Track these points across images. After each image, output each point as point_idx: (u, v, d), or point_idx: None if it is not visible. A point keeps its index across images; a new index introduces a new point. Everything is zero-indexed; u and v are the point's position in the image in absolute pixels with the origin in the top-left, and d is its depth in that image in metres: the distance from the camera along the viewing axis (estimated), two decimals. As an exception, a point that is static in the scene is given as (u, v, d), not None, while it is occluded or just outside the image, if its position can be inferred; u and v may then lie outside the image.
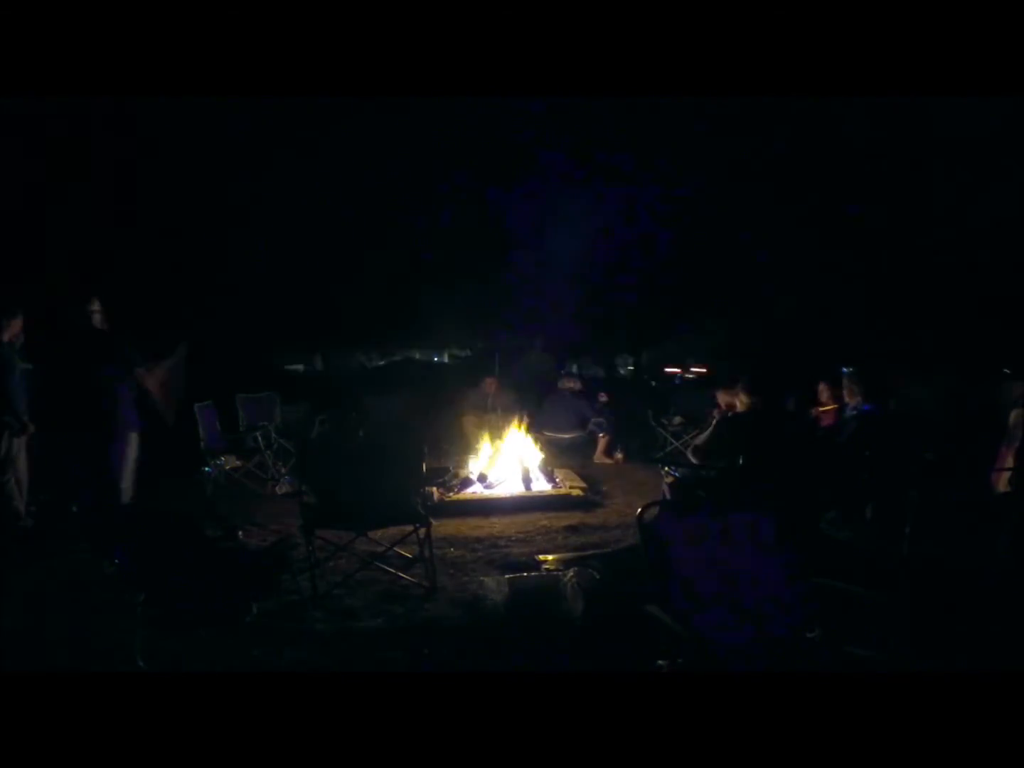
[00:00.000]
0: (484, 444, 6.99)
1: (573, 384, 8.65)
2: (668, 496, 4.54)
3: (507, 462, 6.70)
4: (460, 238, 10.91)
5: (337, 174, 10.26)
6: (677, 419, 8.75)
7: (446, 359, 12.93)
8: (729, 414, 4.76)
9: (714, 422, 4.61)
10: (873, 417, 4.95)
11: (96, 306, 5.39)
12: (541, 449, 7.27)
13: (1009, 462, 4.32)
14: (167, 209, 9.64)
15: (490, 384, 8.89)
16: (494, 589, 3.95)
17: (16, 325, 5.43)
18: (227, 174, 9.73)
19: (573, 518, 5.81)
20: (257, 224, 10.06)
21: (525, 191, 10.31)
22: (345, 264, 10.64)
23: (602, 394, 8.86)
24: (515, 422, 7.14)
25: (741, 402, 4.52)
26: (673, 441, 8.55)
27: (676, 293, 10.83)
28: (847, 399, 5.85)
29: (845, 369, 5.95)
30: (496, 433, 7.01)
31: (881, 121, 9.02)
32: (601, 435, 8.51)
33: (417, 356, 9.32)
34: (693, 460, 4.49)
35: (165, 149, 9.27)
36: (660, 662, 2.50)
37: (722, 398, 6.31)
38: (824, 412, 6.75)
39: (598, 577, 3.72)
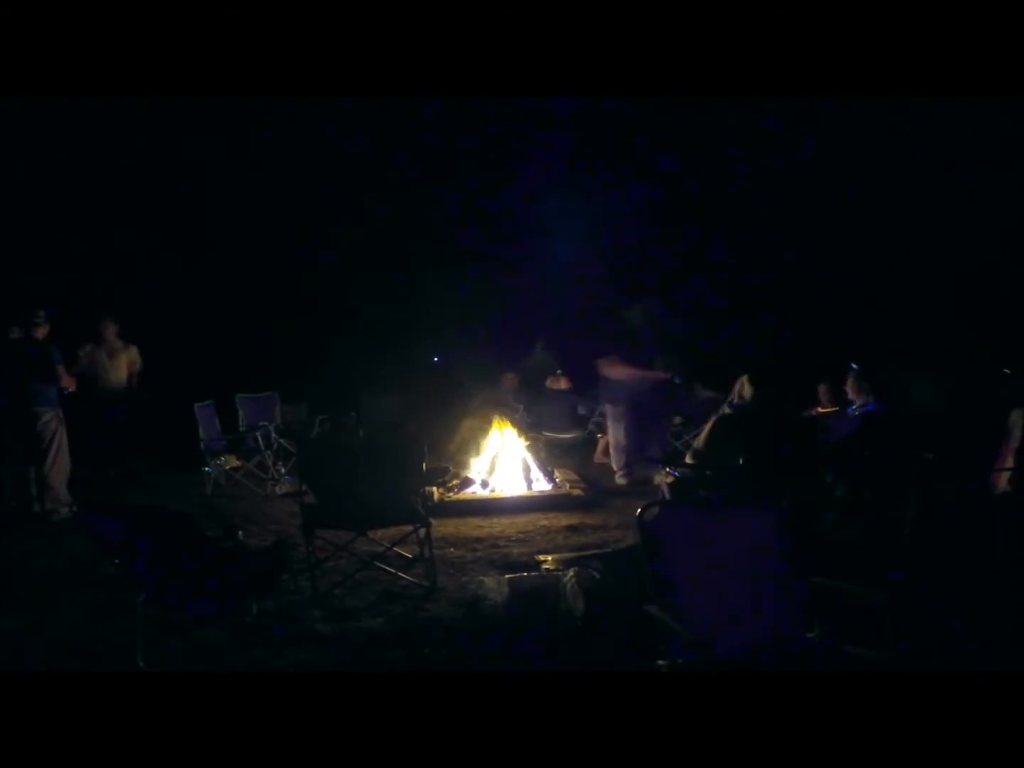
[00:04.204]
0: (487, 444, 6.96)
1: (562, 383, 8.63)
2: (668, 496, 4.53)
3: (508, 463, 6.70)
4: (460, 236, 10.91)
5: (332, 169, 10.26)
6: (677, 419, 8.73)
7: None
8: (727, 413, 4.75)
9: (711, 423, 4.59)
10: (879, 416, 4.94)
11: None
12: (539, 450, 7.26)
13: (1009, 462, 4.32)
14: (169, 209, 9.66)
15: (511, 380, 8.82)
16: (494, 589, 3.95)
17: (45, 326, 5.94)
18: (224, 173, 9.74)
19: (573, 518, 5.81)
20: (253, 222, 10.06)
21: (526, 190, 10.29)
22: (343, 263, 10.64)
23: None
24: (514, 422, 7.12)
25: (744, 395, 4.49)
26: (673, 441, 8.54)
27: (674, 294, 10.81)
28: (852, 396, 5.83)
29: (854, 365, 5.92)
30: (508, 430, 6.95)
31: (883, 119, 9.02)
32: (601, 435, 8.50)
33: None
34: (691, 462, 4.48)
35: (172, 146, 9.29)
36: (660, 662, 2.50)
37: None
38: (824, 413, 6.75)
39: (598, 577, 3.71)
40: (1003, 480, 4.35)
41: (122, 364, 7.23)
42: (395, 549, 4.38)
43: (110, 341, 7.20)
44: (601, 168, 10.29)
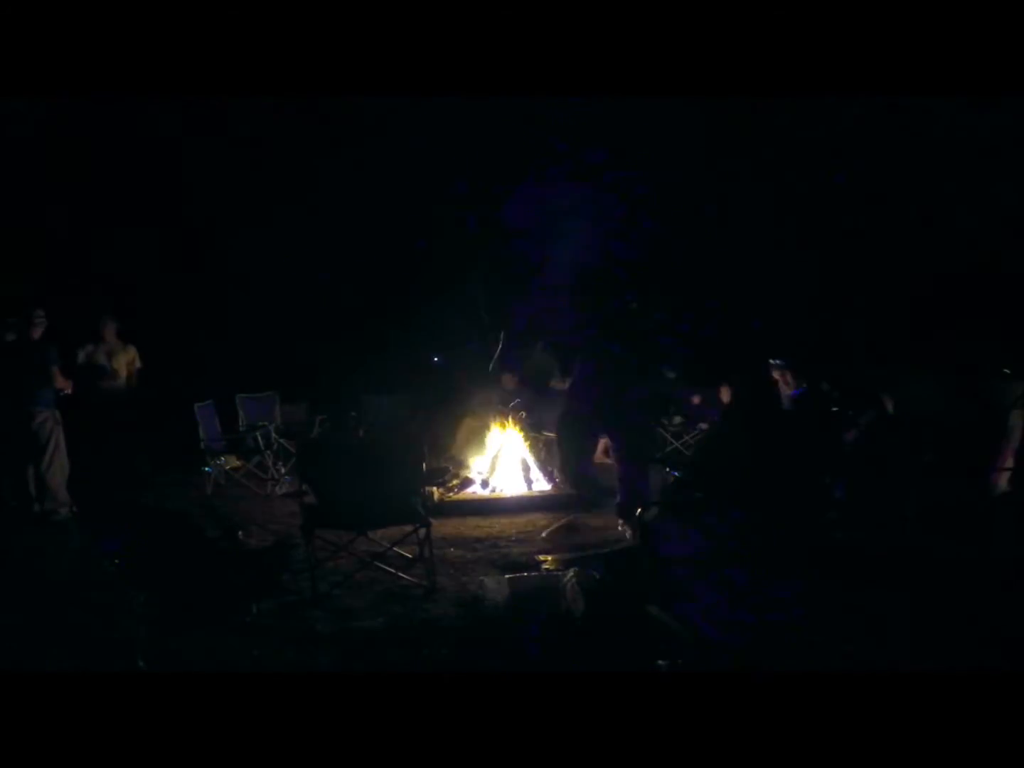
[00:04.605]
0: (487, 444, 6.96)
1: (564, 384, 8.63)
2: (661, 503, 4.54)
3: (508, 463, 6.70)
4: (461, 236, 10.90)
5: (336, 174, 10.27)
6: (677, 419, 8.73)
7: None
8: (728, 416, 4.77)
9: (712, 426, 4.61)
10: (803, 399, 4.99)
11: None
12: (539, 450, 7.26)
13: (1009, 462, 4.32)
14: (168, 208, 9.67)
15: (509, 380, 8.82)
16: (494, 589, 3.95)
17: (42, 325, 5.95)
18: (226, 175, 9.74)
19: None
20: (257, 223, 10.07)
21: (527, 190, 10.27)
22: (346, 264, 10.65)
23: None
24: (514, 422, 7.11)
25: (728, 398, 4.54)
26: (673, 441, 8.54)
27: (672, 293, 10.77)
28: (783, 388, 5.90)
29: (775, 360, 5.96)
30: (506, 431, 6.94)
31: (877, 118, 9.01)
32: (601, 435, 8.49)
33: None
34: (691, 463, 4.49)
35: (172, 147, 9.29)
36: (660, 662, 2.50)
37: (725, 395, 6.31)
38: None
39: (598, 577, 3.71)
40: (1003, 480, 4.36)
41: (122, 364, 7.25)
42: (395, 549, 4.37)
43: (109, 341, 7.22)
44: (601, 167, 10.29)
